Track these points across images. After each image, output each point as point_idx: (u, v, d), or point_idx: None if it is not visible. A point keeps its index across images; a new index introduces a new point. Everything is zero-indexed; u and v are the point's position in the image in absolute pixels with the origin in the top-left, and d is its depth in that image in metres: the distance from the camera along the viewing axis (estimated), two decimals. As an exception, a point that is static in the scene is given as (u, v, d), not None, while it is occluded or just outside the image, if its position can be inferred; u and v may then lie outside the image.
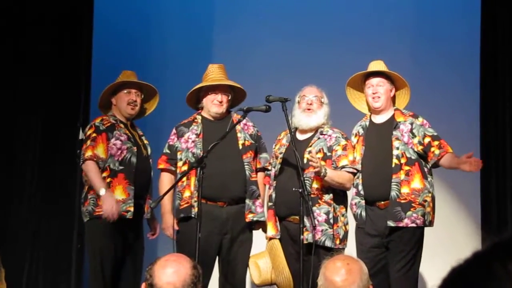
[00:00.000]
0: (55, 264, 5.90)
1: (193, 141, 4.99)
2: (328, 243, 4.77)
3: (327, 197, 4.83)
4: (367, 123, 4.99)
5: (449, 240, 6.00)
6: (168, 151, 5.06)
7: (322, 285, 2.67)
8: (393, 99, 5.00)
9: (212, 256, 4.88)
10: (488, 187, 5.84)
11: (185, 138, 5.02)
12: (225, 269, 4.95)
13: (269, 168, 5.08)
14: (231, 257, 4.92)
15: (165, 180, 5.05)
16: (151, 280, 2.44)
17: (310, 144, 4.92)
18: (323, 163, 4.75)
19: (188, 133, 5.03)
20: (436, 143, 4.77)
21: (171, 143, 5.07)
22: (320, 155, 4.88)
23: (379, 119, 4.96)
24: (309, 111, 4.96)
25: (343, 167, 4.86)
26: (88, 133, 5.04)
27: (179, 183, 4.88)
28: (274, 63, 6.51)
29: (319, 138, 4.95)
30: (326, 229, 4.79)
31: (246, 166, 4.98)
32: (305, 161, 4.84)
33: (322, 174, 4.69)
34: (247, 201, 4.94)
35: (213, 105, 5.05)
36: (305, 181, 4.70)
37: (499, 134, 5.84)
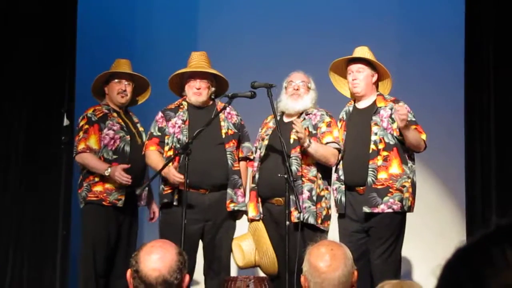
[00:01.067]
0: (40, 251, 5.88)
1: (179, 127, 4.99)
2: (311, 220, 4.76)
3: (311, 174, 4.83)
4: (351, 109, 5.01)
5: (434, 224, 6.03)
6: (159, 133, 5.03)
7: (306, 271, 2.67)
8: (376, 84, 5.00)
9: (195, 242, 4.89)
10: (473, 171, 5.85)
11: (172, 122, 5.02)
12: (209, 255, 4.97)
13: (251, 157, 5.08)
14: (214, 243, 4.94)
15: (157, 157, 4.97)
16: (136, 266, 2.44)
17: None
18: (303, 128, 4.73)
19: (175, 119, 5.02)
20: (412, 127, 4.74)
21: (160, 125, 5.04)
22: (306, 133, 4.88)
23: (361, 104, 4.98)
24: (296, 96, 4.96)
25: (327, 143, 4.86)
26: (81, 124, 5.10)
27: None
28: (259, 51, 6.49)
29: (304, 119, 4.94)
30: (309, 206, 4.78)
31: (228, 155, 4.98)
32: (291, 141, 4.84)
33: (306, 144, 4.69)
34: (228, 190, 4.95)
35: (193, 93, 5.04)
36: (293, 161, 4.70)
37: (484, 120, 5.85)
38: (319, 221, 4.81)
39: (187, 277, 2.49)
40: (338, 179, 4.86)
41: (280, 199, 4.77)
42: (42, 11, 6.03)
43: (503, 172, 5.74)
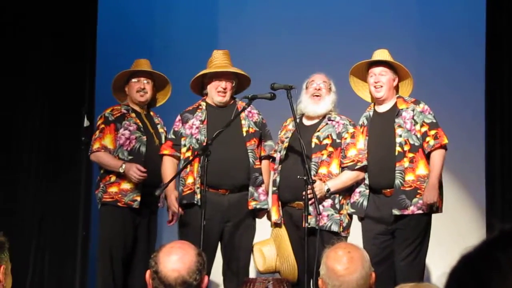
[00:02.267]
0: (61, 251, 5.93)
1: (197, 127, 4.99)
2: (334, 228, 4.78)
3: None
4: (371, 113, 4.99)
5: (454, 228, 6.00)
6: (173, 136, 5.05)
7: (324, 274, 2.67)
8: (397, 88, 4.98)
9: (214, 243, 4.87)
10: (493, 174, 5.83)
11: (190, 124, 5.01)
12: (228, 256, 4.95)
13: (274, 155, 5.07)
14: (233, 244, 4.92)
15: (168, 165, 5.02)
16: (156, 267, 2.45)
17: (318, 129, 4.92)
18: (321, 185, 4.74)
19: (193, 119, 5.02)
20: (432, 132, 4.76)
21: (176, 129, 5.05)
22: (328, 140, 4.88)
23: (382, 108, 4.96)
24: (317, 98, 4.95)
25: (351, 164, 4.85)
26: (98, 123, 5.13)
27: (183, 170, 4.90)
28: (279, 51, 6.50)
29: (327, 123, 4.95)
30: (332, 214, 4.80)
31: (249, 153, 4.96)
32: (312, 145, 4.84)
33: (327, 195, 4.74)
34: (250, 188, 4.93)
35: (217, 93, 5.03)
36: (312, 165, 4.70)
37: (504, 121, 5.83)
38: (341, 229, 4.82)
39: (206, 278, 2.49)
40: (363, 182, 4.86)
41: (301, 202, 4.76)
42: (63, 12, 6.08)
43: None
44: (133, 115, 5.14)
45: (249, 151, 4.97)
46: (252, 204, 4.92)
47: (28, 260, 5.82)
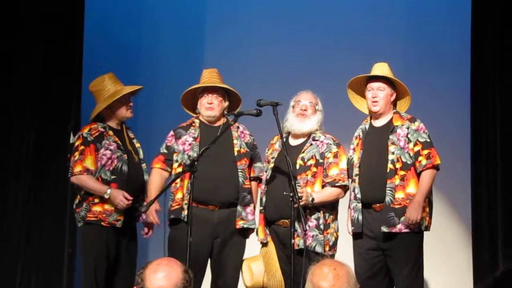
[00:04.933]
0: (47, 268, 5.91)
1: (189, 144, 5.01)
2: (318, 249, 4.79)
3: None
4: (367, 126, 5.00)
5: (440, 245, 6.01)
6: (165, 151, 5.06)
7: (310, 292, 2.67)
8: (394, 102, 5.00)
9: (204, 259, 4.90)
10: (478, 191, 5.84)
11: (182, 140, 5.04)
12: (216, 272, 4.97)
13: (262, 177, 5.09)
14: (222, 260, 4.94)
15: (156, 178, 5.03)
16: (142, 284, 2.45)
17: (303, 150, 4.95)
18: (309, 189, 4.79)
19: (186, 136, 5.05)
20: (425, 152, 4.77)
21: (168, 144, 5.07)
22: (312, 161, 4.90)
23: (378, 122, 4.97)
24: (303, 116, 4.98)
25: (332, 180, 4.89)
26: (76, 144, 5.05)
27: (173, 184, 4.89)
28: (266, 66, 6.52)
29: (311, 144, 4.97)
30: (317, 235, 4.81)
31: (239, 173, 4.99)
32: (297, 167, 4.87)
33: (310, 204, 4.74)
34: (238, 207, 4.96)
35: (205, 108, 5.07)
36: (297, 186, 4.71)
37: (490, 138, 5.85)
38: (327, 249, 4.83)
39: (192, 295, 2.50)
40: (355, 197, 4.86)
41: (286, 220, 4.80)
42: (50, 29, 6.07)
43: (509, 192, 5.72)
44: (111, 133, 5.08)
45: (239, 170, 5.00)
46: (240, 224, 4.95)
47: (15, 276, 5.79)
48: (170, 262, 2.52)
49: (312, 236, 4.79)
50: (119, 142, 5.08)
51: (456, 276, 6.03)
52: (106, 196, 4.89)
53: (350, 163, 4.98)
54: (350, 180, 4.95)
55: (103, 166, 5.00)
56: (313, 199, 4.75)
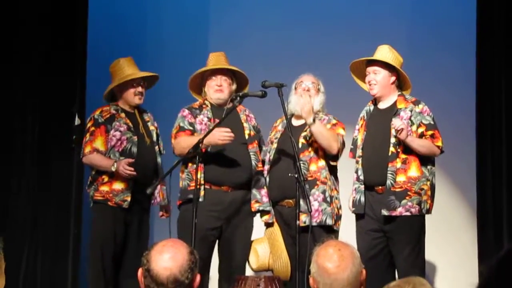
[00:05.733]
0: (53, 250, 5.94)
1: (205, 124, 4.99)
2: (329, 222, 4.81)
3: (322, 176, 4.86)
4: (371, 108, 5.00)
5: (445, 227, 6.03)
6: (190, 127, 4.98)
7: (315, 273, 2.67)
8: (399, 84, 4.97)
9: (213, 240, 4.90)
10: (484, 172, 5.85)
11: (199, 119, 5.02)
12: (225, 254, 4.98)
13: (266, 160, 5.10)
14: (231, 241, 4.95)
15: (186, 138, 4.92)
16: (148, 265, 2.45)
17: (305, 129, 4.94)
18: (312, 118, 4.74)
19: (201, 116, 5.03)
20: (429, 133, 4.77)
21: (190, 120, 5.00)
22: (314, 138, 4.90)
23: (382, 105, 4.97)
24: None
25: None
26: (88, 126, 5.13)
27: (190, 164, 4.87)
28: (271, 49, 6.50)
29: None
30: (325, 208, 4.82)
31: (252, 156, 5.00)
32: (300, 145, 4.87)
33: (309, 120, 4.72)
34: (253, 190, 4.97)
35: (214, 91, 5.05)
36: (301, 164, 4.71)
37: (495, 118, 5.84)
38: (333, 221, 4.85)
39: (198, 277, 2.50)
40: (358, 179, 4.87)
41: (290, 200, 4.82)
42: (53, 15, 6.07)
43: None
44: (123, 115, 5.12)
45: (251, 153, 5.00)
46: (256, 206, 4.96)
47: (21, 259, 5.82)
48: (176, 244, 2.51)
49: (322, 210, 4.80)
50: (130, 124, 5.11)
51: (461, 257, 6.04)
52: (113, 169, 4.92)
53: (354, 143, 4.99)
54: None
55: (113, 147, 5.04)
56: (314, 121, 4.73)
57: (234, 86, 5.12)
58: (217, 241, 4.97)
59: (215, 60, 5.12)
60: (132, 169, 4.88)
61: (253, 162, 4.98)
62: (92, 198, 5.06)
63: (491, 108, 5.87)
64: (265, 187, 4.99)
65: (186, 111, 5.06)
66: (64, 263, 5.90)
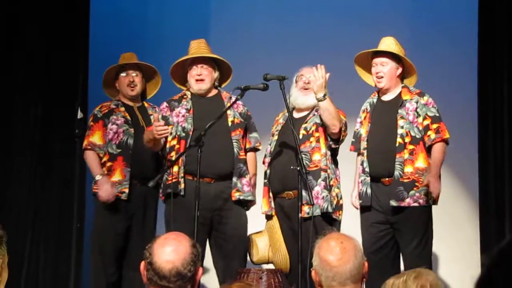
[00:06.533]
0: (56, 243, 5.94)
1: (183, 116, 4.97)
2: (329, 209, 4.79)
3: (323, 164, 4.84)
4: (375, 100, 5.00)
5: (448, 217, 6.03)
6: (162, 121, 4.99)
7: (317, 265, 2.67)
8: (402, 76, 4.97)
9: (203, 233, 4.84)
10: (486, 164, 5.84)
11: (176, 112, 5.00)
12: (219, 246, 4.94)
13: (259, 148, 5.11)
14: (223, 233, 4.92)
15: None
16: (150, 258, 2.46)
17: (306, 120, 4.95)
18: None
19: (179, 108, 5.01)
20: (434, 126, 4.77)
21: (164, 114, 5.03)
22: (314, 127, 4.91)
23: (386, 97, 4.96)
24: (306, 90, 4.97)
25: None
26: (88, 121, 5.23)
27: (168, 158, 4.88)
28: (271, 40, 6.49)
29: (314, 114, 4.97)
30: (326, 195, 4.82)
31: (234, 143, 4.95)
32: (300, 136, 4.86)
33: (320, 95, 4.71)
34: (234, 179, 4.93)
35: (195, 82, 5.02)
36: (303, 155, 4.71)
37: (497, 110, 5.83)
38: (332, 207, 4.83)
39: (200, 270, 2.51)
40: (363, 171, 4.87)
41: (291, 192, 4.82)
42: (55, 6, 6.06)
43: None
44: (122, 109, 5.17)
45: (233, 141, 4.96)
46: (236, 195, 4.92)
47: (23, 253, 5.83)
48: (179, 237, 2.52)
49: (323, 198, 4.79)
50: (128, 117, 5.14)
51: (464, 249, 6.05)
52: (97, 179, 5.01)
53: (357, 136, 4.99)
54: (357, 153, 4.97)
55: (110, 140, 5.07)
56: (325, 96, 4.72)
57: (216, 74, 5.07)
58: (210, 235, 4.94)
59: (196, 48, 5.06)
60: (108, 198, 4.95)
61: (235, 150, 4.94)
62: (92, 191, 5.10)
63: (493, 100, 5.86)
64: (247, 176, 4.95)
65: (164, 104, 5.07)
66: (67, 257, 5.91)
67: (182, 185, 4.82)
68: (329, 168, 4.87)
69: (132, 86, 5.19)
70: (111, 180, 5.00)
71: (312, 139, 4.90)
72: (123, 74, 5.21)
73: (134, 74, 5.21)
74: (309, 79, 4.94)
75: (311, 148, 4.86)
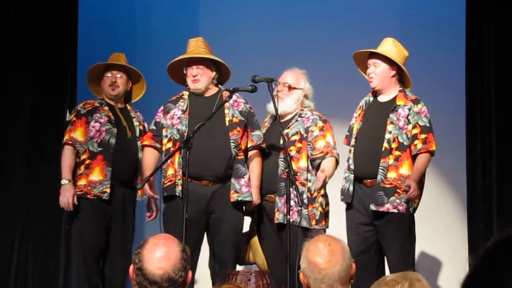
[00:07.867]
0: (45, 244, 5.94)
1: (178, 117, 4.94)
2: (304, 223, 4.79)
3: (302, 178, 4.85)
4: (371, 99, 4.99)
5: (436, 221, 6.03)
6: (154, 127, 5.01)
7: (305, 268, 2.69)
8: (401, 78, 4.97)
9: (199, 235, 4.86)
10: (474, 168, 5.86)
11: (171, 114, 4.97)
12: (214, 249, 4.92)
13: (263, 146, 5.02)
14: (219, 236, 4.89)
15: (148, 156, 5.00)
16: (140, 264, 2.43)
17: (288, 126, 4.96)
18: (322, 175, 4.72)
19: (174, 110, 4.98)
20: (423, 136, 4.76)
21: (157, 120, 5.02)
22: (297, 137, 4.91)
23: (382, 97, 4.96)
24: (281, 97, 4.94)
25: (321, 155, 4.87)
26: (71, 117, 5.17)
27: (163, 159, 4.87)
28: (261, 39, 6.47)
29: (297, 120, 4.98)
30: (302, 210, 4.79)
31: (232, 144, 4.89)
32: (281, 142, 4.79)
33: (327, 181, 4.76)
34: (232, 180, 4.88)
35: (191, 81, 5.00)
36: (281, 161, 4.76)
37: (484, 112, 5.85)
38: (313, 223, 4.83)
39: (190, 273, 2.50)
40: (348, 168, 4.87)
41: (272, 195, 4.85)
42: (43, 5, 6.06)
43: (503, 164, 5.75)
44: (106, 108, 5.15)
45: (231, 141, 4.90)
46: (234, 197, 4.87)
47: (12, 252, 5.82)
48: (168, 241, 2.49)
49: (298, 211, 4.75)
50: (112, 117, 5.12)
51: (452, 250, 6.06)
52: (62, 183, 4.97)
53: (350, 131, 5.00)
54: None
55: (92, 138, 5.03)
56: (325, 178, 4.73)
57: (213, 73, 5.03)
58: (204, 236, 4.93)
59: (194, 46, 5.03)
60: (68, 207, 4.96)
61: (232, 151, 4.89)
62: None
63: (480, 102, 5.88)
64: (245, 176, 4.90)
65: (161, 108, 5.05)
66: (56, 257, 5.91)
67: (179, 187, 4.79)
68: (309, 181, 4.87)
69: (113, 86, 5.18)
70: (75, 189, 4.96)
71: (292, 148, 4.89)
72: (107, 74, 5.20)
73: (118, 76, 5.20)
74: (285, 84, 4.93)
75: (289, 157, 4.73)
